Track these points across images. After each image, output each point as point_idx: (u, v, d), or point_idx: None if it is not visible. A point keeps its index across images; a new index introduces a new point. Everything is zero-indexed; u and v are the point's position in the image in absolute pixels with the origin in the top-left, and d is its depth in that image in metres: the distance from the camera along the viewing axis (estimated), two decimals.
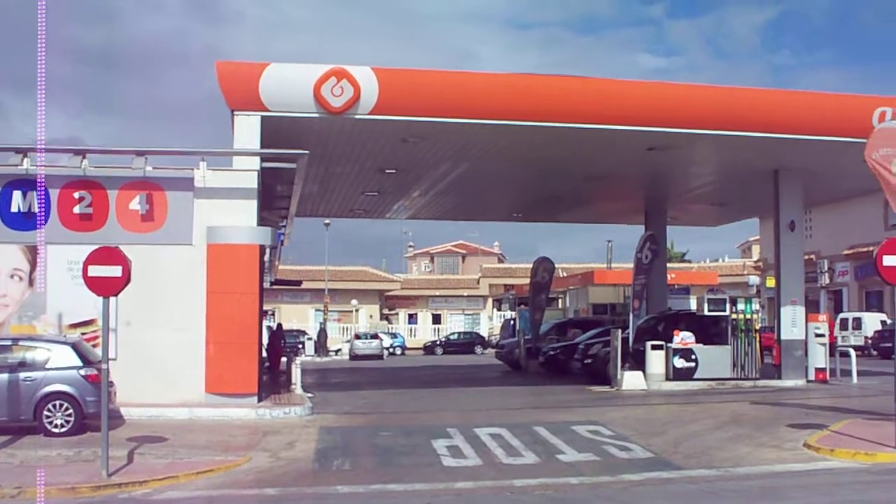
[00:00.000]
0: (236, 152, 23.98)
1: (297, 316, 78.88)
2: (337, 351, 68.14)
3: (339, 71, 23.48)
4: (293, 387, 28.52)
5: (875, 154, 18.80)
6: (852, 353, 33.36)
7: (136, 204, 23.06)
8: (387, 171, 31.19)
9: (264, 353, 32.00)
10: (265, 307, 39.13)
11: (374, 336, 66.89)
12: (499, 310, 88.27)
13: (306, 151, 23.64)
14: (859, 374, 31.84)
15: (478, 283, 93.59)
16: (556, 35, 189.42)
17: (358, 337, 66.58)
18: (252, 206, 23.65)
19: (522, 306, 50.28)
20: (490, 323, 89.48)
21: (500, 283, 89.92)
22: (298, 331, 66.88)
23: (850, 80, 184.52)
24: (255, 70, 23.50)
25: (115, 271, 14.76)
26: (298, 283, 60.10)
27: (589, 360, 33.89)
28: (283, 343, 38.73)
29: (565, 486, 13.97)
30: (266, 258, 30.84)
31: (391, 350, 69.32)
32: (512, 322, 57.66)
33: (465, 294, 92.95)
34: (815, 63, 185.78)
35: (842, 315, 55.97)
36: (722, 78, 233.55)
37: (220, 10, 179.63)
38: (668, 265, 48.41)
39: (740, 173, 33.10)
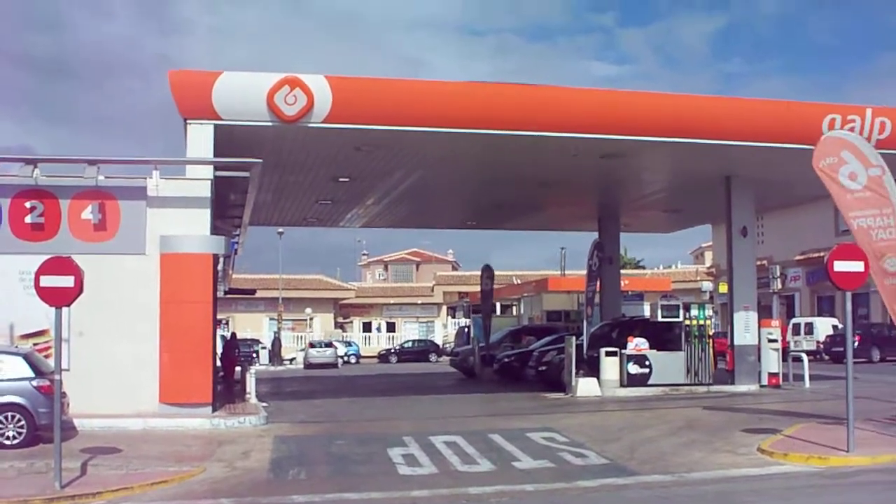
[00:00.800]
0: (189, 161, 23.86)
1: (252, 325, 78.61)
2: (291, 360, 67.95)
3: (292, 79, 23.43)
4: (248, 396, 28.37)
5: (822, 162, 18.97)
6: (805, 357, 33.65)
7: (88, 213, 22.84)
8: (340, 179, 31.14)
9: (218, 363, 31.80)
10: (219, 316, 38.92)
11: (329, 345, 66.76)
12: (453, 317, 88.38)
13: (259, 160, 23.56)
14: (812, 378, 32.14)
15: (432, 290, 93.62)
16: (508, 42, 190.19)
17: (312, 346, 66.41)
18: (205, 215, 23.52)
19: (476, 314, 50.34)
20: (444, 331, 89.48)
21: (455, 290, 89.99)
22: (253, 340, 66.60)
23: (800, 88, 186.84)
24: (207, 79, 23.41)
25: (68, 281, 14.64)
26: (252, 291, 59.96)
27: (543, 367, 33.95)
28: (237, 352, 38.54)
29: (521, 493, 13.98)
30: (220, 267, 30.70)
31: (346, 358, 69.20)
32: (466, 330, 57.75)
33: (420, 302, 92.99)
34: (765, 71, 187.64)
35: (794, 320, 56.47)
36: (673, 86, 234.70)
37: (171, 19, 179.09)
38: (622, 271, 48.64)
39: (692, 180, 33.34)
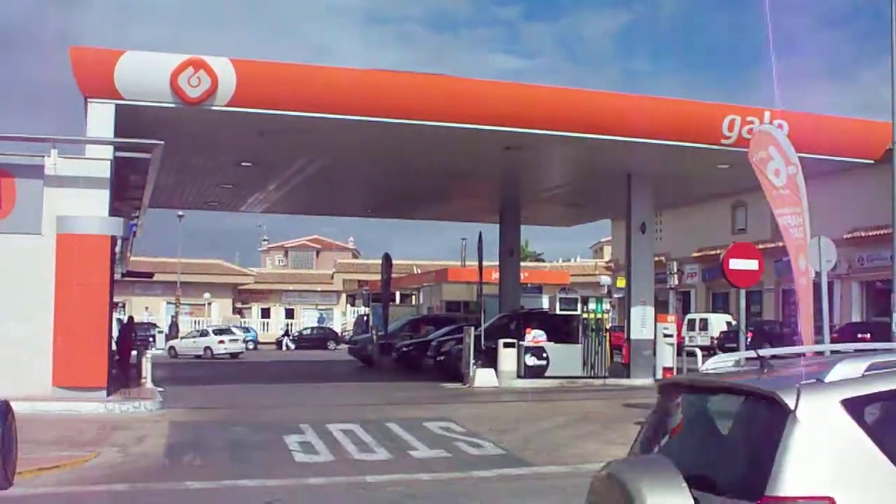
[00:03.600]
0: (89, 140, 23.43)
1: (149, 308, 77.73)
2: None
3: (196, 61, 23.12)
4: (143, 381, 28.07)
5: (755, 156, 19.15)
6: (698, 352, 34.15)
7: None
8: (243, 163, 30.90)
9: (114, 346, 31.38)
10: (116, 299, 38.36)
11: (227, 330, 66.22)
12: (352, 305, 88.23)
13: (161, 142, 23.20)
14: None
15: (332, 278, 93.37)
16: (412, 32, 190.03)
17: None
18: (104, 195, 23.13)
19: (376, 302, 50.39)
20: (343, 318, 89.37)
21: (354, 278, 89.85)
22: (150, 324, 65.86)
23: (699, 88, 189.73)
24: (110, 57, 22.98)
25: None
26: (150, 275, 59.26)
27: (442, 357, 34.10)
28: (133, 336, 38.09)
29: (417, 482, 14.03)
30: (118, 249, 30.28)
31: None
32: (365, 318, 57.73)
33: (319, 289, 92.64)
34: (667, 70, 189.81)
35: (689, 316, 57.34)
36: (577, 81, 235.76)
37: None
38: (522, 264, 49.01)
39: (594, 175, 33.71)
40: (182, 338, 62.21)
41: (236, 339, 58.56)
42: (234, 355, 55.43)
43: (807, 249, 18.54)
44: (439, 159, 30.76)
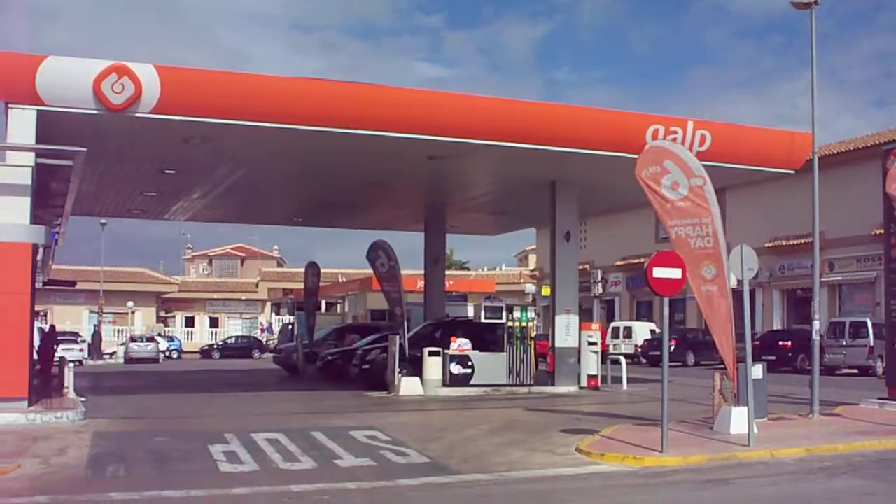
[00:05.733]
0: (9, 147, 23.07)
1: (71, 318, 76.78)
2: (111, 354, 66.65)
3: (120, 67, 22.88)
4: (65, 390, 27.71)
5: (645, 172, 19.42)
6: (623, 360, 34.60)
7: None
8: (167, 171, 30.65)
9: (35, 356, 30.93)
10: (37, 308, 37.83)
11: (150, 339, 65.77)
12: (277, 314, 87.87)
13: (84, 149, 22.92)
14: (629, 381, 33.11)
15: (256, 286, 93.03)
16: (334, 39, 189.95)
17: (133, 340, 65.29)
18: (25, 203, 22.80)
19: (301, 311, 50.20)
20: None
21: (279, 287, 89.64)
22: (72, 333, 65.02)
23: (622, 98, 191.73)
24: (31, 62, 22.66)
25: None
26: (72, 283, 58.49)
27: (367, 366, 34.01)
28: (55, 345, 37.60)
29: (343, 491, 13.99)
30: (39, 257, 29.84)
31: (167, 353, 68.24)
32: (290, 326, 57.49)
33: (244, 298, 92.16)
34: (590, 80, 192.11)
35: (613, 324, 58.02)
36: (500, 90, 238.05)
37: None
38: (447, 272, 49.05)
39: (519, 184, 33.85)
40: (134, 340, 64.61)
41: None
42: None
43: (719, 258, 18.85)
44: (363, 168, 30.72)
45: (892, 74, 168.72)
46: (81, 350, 56.53)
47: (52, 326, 45.48)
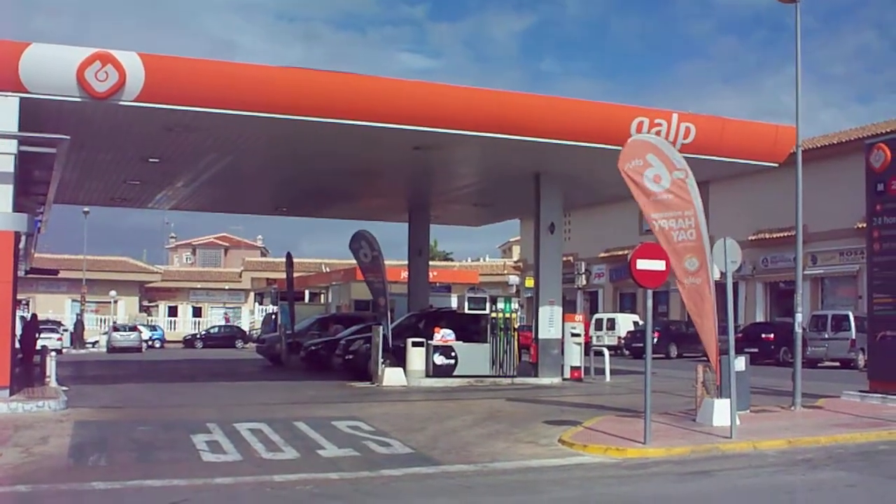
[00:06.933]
0: None
1: (54, 306, 76.57)
2: (94, 343, 66.52)
3: (104, 55, 22.73)
4: (47, 379, 27.62)
5: (627, 165, 19.43)
6: (606, 352, 34.70)
7: None
8: (151, 159, 30.51)
9: (17, 345, 30.85)
10: (19, 297, 37.72)
11: (133, 328, 65.58)
12: (261, 304, 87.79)
13: (67, 137, 22.84)
14: (612, 372, 33.18)
15: (240, 276, 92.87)
16: (317, 29, 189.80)
17: (116, 329, 65.13)
18: (7, 191, 22.70)
19: (284, 301, 50.19)
20: (252, 317, 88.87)
21: (263, 276, 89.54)
22: (54, 322, 64.86)
23: (607, 90, 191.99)
24: (14, 49, 22.49)
25: None
26: (55, 272, 58.34)
27: (350, 356, 34.02)
28: (37, 334, 37.49)
29: (325, 481, 13.98)
30: (21, 246, 29.74)
31: (150, 343, 68.14)
32: (274, 316, 57.47)
33: (227, 287, 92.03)
34: (575, 72, 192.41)
35: (597, 315, 58.15)
36: (484, 82, 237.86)
37: None
38: (431, 263, 49.09)
39: (503, 175, 33.82)
40: (117, 329, 64.30)
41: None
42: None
43: (702, 250, 18.90)
44: (347, 158, 30.64)
45: (875, 70, 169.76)
46: (60, 339, 56.25)
47: (35, 315, 45.37)
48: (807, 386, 24.27)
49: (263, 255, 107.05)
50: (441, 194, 39.40)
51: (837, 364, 40.71)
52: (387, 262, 33.19)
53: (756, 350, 39.91)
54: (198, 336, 74.31)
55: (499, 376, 31.61)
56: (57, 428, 19.26)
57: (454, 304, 45.11)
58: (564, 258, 37.91)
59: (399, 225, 44.45)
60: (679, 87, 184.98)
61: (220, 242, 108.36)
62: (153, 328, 75.34)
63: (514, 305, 34.10)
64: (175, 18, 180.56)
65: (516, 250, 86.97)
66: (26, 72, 22.23)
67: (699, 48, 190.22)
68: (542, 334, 32.48)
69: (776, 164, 30.93)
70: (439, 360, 30.78)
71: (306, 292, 70.75)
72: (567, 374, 32.54)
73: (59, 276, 62.66)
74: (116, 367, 42.38)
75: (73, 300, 79.17)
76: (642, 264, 16.93)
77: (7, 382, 22.81)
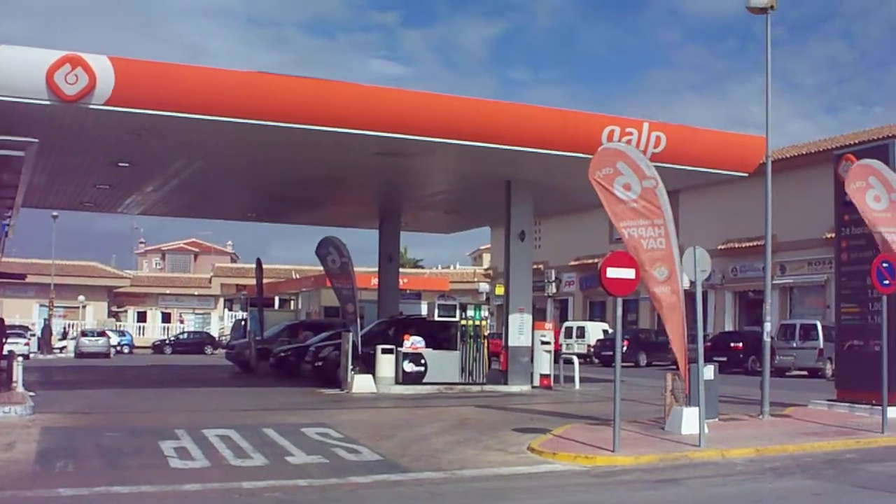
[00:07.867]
0: None
1: (21, 311, 76.09)
2: (62, 348, 66.10)
3: (73, 58, 22.58)
4: (14, 385, 27.41)
5: (598, 173, 19.42)
6: (576, 360, 34.78)
7: None
8: (120, 164, 30.37)
9: None
10: None
11: (102, 333, 65.19)
12: (230, 310, 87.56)
13: (35, 140, 22.63)
14: (582, 380, 33.23)
15: (210, 282, 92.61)
16: (289, 35, 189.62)
17: (84, 334, 64.74)
18: None
19: (254, 307, 50.08)
20: (221, 323, 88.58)
21: (233, 282, 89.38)
22: (21, 327, 64.40)
23: (578, 98, 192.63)
24: None
25: None
26: (23, 276, 57.93)
27: (320, 363, 33.97)
28: (3, 339, 37.15)
29: (294, 488, 13.94)
30: None
31: (119, 348, 67.76)
32: (243, 323, 57.30)
33: (197, 293, 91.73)
34: (546, 80, 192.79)
35: (567, 323, 58.24)
36: (454, 89, 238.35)
37: None
38: (401, 270, 49.04)
39: (473, 183, 33.84)
40: (85, 335, 63.69)
41: None
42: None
43: (672, 259, 18.92)
44: (316, 163, 30.60)
45: (844, 81, 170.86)
46: (27, 344, 55.81)
47: (1, 320, 44.99)
48: (775, 395, 24.36)
49: (233, 260, 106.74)
50: (411, 201, 39.39)
51: (805, 373, 40.95)
52: (357, 269, 33.12)
53: (725, 359, 40.13)
54: (167, 342, 74.00)
55: (468, 384, 31.62)
56: (23, 434, 19.12)
57: (424, 311, 45.09)
58: (535, 266, 38.05)
59: (369, 232, 44.43)
60: (648, 95, 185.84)
61: (190, 248, 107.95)
62: (122, 333, 75.00)
63: (484, 313, 34.14)
64: (145, 23, 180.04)
65: (486, 258, 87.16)
66: None
67: (668, 57, 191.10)
68: (512, 342, 32.50)
69: (746, 174, 31.09)
70: (409, 367, 30.76)
71: (276, 298, 70.65)
72: (536, 382, 32.57)
73: (27, 280, 62.25)
74: (84, 373, 42.11)
75: (41, 305, 78.73)
76: (612, 272, 16.96)
77: None
